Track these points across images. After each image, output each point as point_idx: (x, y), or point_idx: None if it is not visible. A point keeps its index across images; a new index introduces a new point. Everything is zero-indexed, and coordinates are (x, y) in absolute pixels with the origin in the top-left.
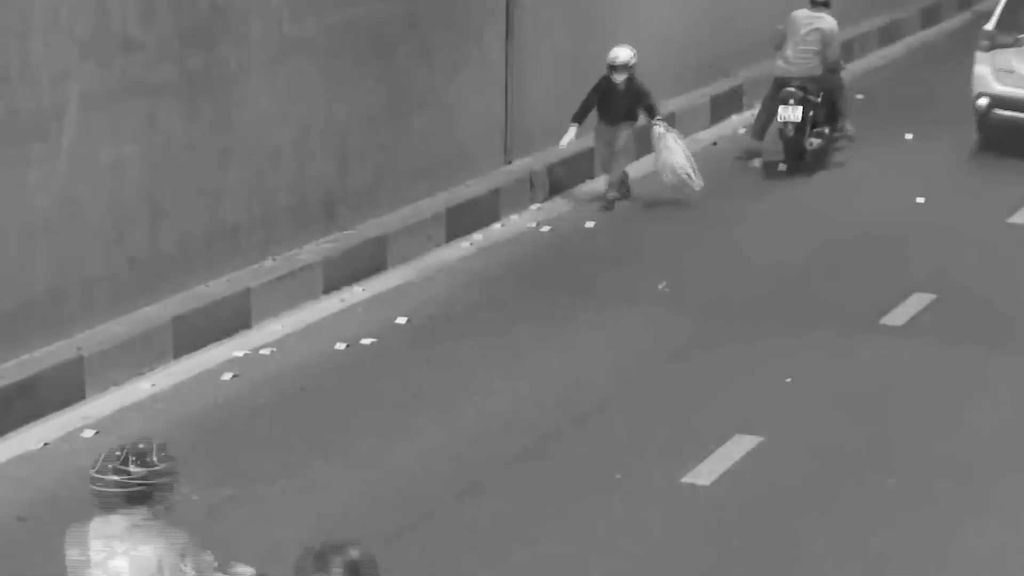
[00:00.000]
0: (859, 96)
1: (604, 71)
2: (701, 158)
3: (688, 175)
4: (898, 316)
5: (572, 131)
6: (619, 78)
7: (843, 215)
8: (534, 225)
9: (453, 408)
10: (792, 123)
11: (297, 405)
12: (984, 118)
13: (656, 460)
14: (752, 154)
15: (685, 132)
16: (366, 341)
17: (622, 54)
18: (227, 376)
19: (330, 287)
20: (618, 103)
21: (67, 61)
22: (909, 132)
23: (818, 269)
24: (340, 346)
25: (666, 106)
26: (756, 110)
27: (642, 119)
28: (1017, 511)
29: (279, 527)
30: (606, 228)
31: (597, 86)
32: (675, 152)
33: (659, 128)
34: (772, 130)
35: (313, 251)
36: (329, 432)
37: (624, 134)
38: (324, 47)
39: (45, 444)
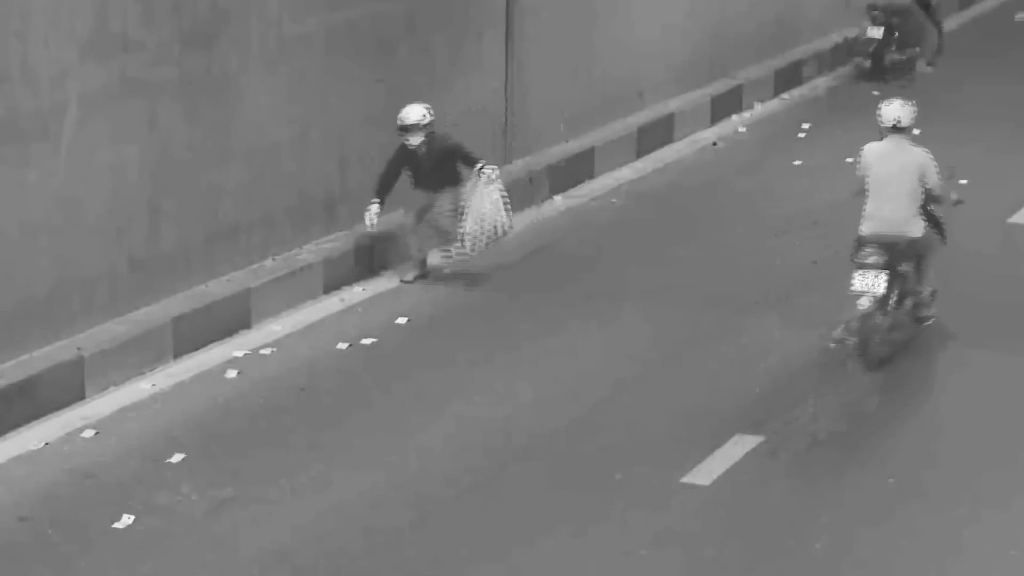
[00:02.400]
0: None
1: (602, 73)
2: (702, 158)
3: (499, 230)
4: None
5: (374, 208)
6: (414, 141)
7: (841, 214)
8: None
9: (453, 408)
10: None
11: (297, 405)
12: None
13: (656, 460)
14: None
15: (685, 132)
16: (366, 341)
17: (413, 112)
18: (232, 373)
19: (330, 287)
20: (426, 169)
21: (67, 61)
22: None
23: (818, 268)
24: (340, 346)
25: (667, 106)
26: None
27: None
28: (1017, 510)
29: (279, 527)
30: (603, 226)
31: (395, 156)
32: (497, 206)
33: (489, 172)
34: None
35: (313, 251)
36: (329, 432)
37: (446, 204)
38: (324, 47)
39: (45, 444)
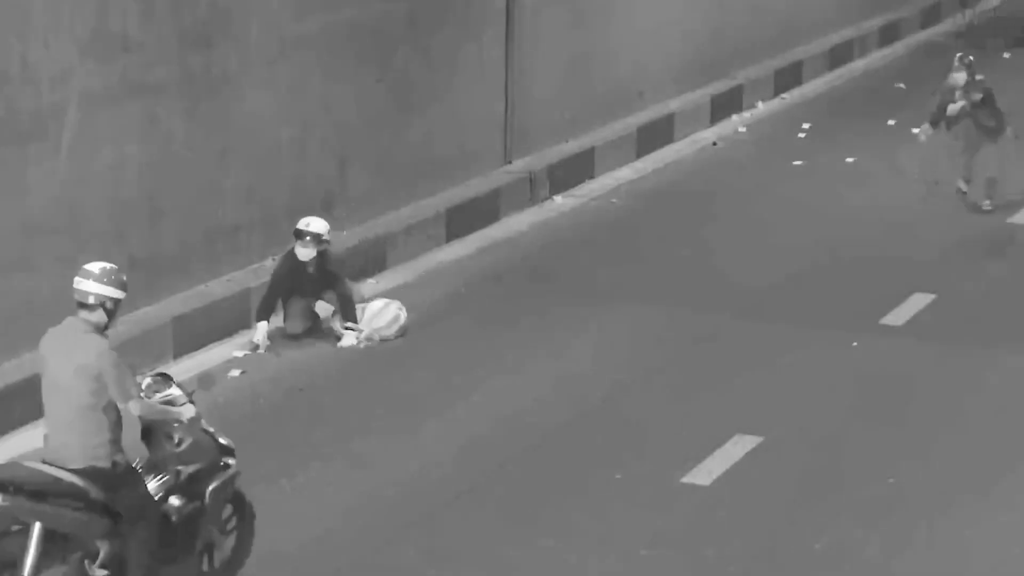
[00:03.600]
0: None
1: (602, 73)
2: (701, 158)
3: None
4: (898, 316)
5: (261, 329)
6: (306, 253)
7: (843, 214)
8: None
9: (453, 408)
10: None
11: (297, 405)
12: None
13: (656, 460)
14: None
15: (685, 132)
16: (365, 342)
17: (315, 222)
18: (235, 372)
19: None
20: (308, 291)
21: (67, 61)
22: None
23: (818, 269)
24: (339, 346)
25: (667, 106)
26: None
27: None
28: (1017, 508)
29: (279, 527)
30: (603, 226)
31: (280, 271)
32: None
33: (353, 342)
34: None
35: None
36: (329, 432)
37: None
38: (324, 47)
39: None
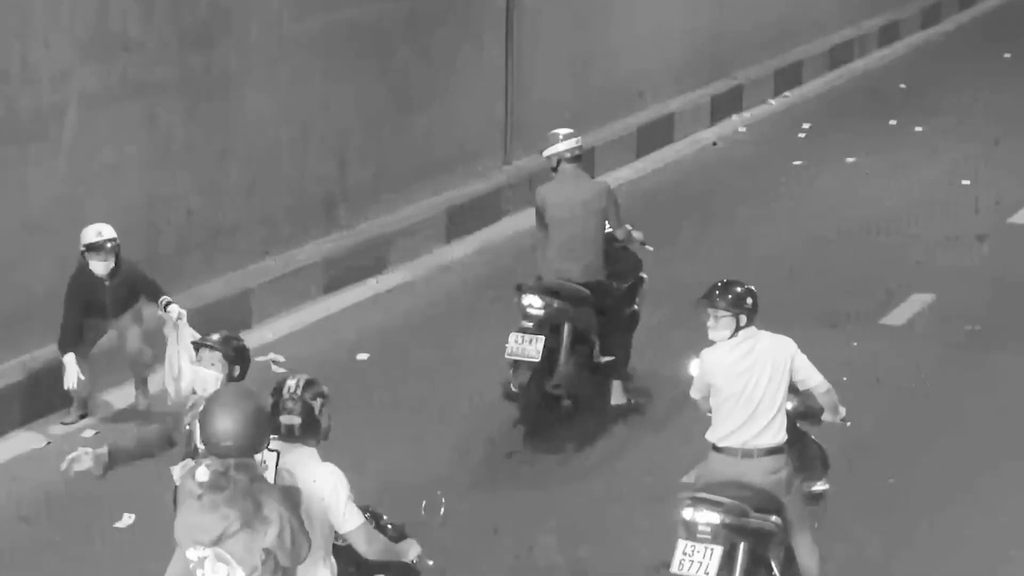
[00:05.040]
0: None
1: (602, 73)
2: (701, 158)
3: (177, 384)
4: (898, 316)
5: (70, 364)
6: (101, 268)
7: (843, 214)
8: None
9: (453, 408)
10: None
11: None
12: None
13: (656, 460)
14: None
15: (685, 132)
16: (365, 341)
17: (105, 228)
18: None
19: (330, 287)
20: (108, 302)
21: (67, 61)
22: (919, 126)
23: (818, 269)
24: (339, 346)
25: (667, 106)
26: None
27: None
28: (1016, 508)
29: None
30: None
31: (73, 293)
32: (182, 354)
33: (178, 311)
34: None
35: (313, 251)
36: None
37: (133, 331)
38: (324, 47)
39: (47, 444)
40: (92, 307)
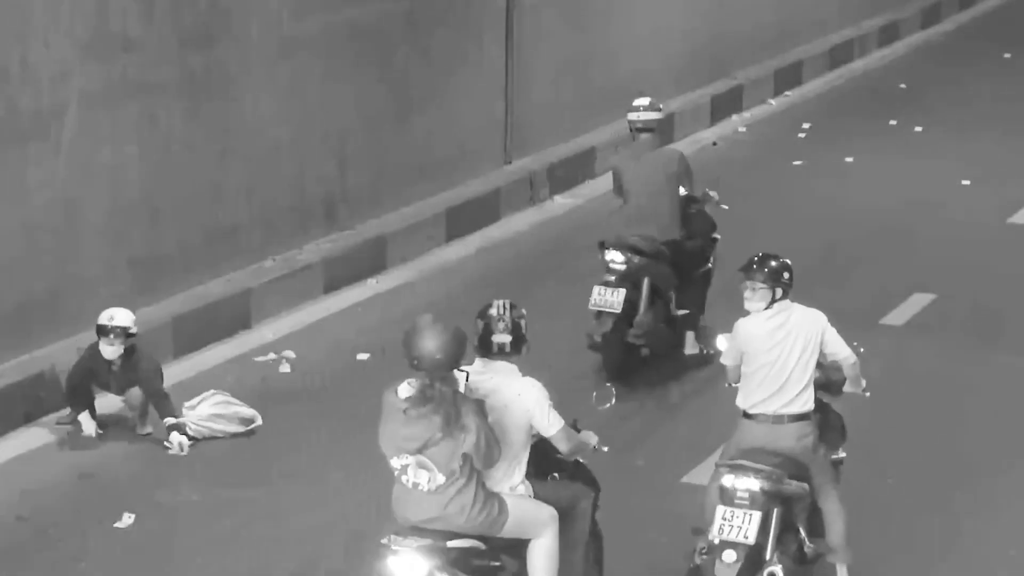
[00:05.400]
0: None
1: (602, 73)
2: (701, 159)
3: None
4: (898, 316)
5: (86, 421)
6: (113, 351)
7: (843, 214)
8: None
9: None
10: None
11: (296, 406)
12: None
13: (656, 460)
14: None
15: (685, 132)
16: (365, 341)
17: (119, 316)
18: (286, 369)
19: (330, 287)
20: (112, 386)
21: (67, 61)
22: (919, 126)
23: (818, 269)
24: (339, 346)
25: (667, 106)
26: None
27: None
28: (1016, 509)
29: (279, 527)
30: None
31: (83, 362)
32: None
33: (179, 443)
34: None
35: (313, 251)
36: (329, 432)
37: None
38: (324, 47)
39: (46, 444)
40: (98, 381)
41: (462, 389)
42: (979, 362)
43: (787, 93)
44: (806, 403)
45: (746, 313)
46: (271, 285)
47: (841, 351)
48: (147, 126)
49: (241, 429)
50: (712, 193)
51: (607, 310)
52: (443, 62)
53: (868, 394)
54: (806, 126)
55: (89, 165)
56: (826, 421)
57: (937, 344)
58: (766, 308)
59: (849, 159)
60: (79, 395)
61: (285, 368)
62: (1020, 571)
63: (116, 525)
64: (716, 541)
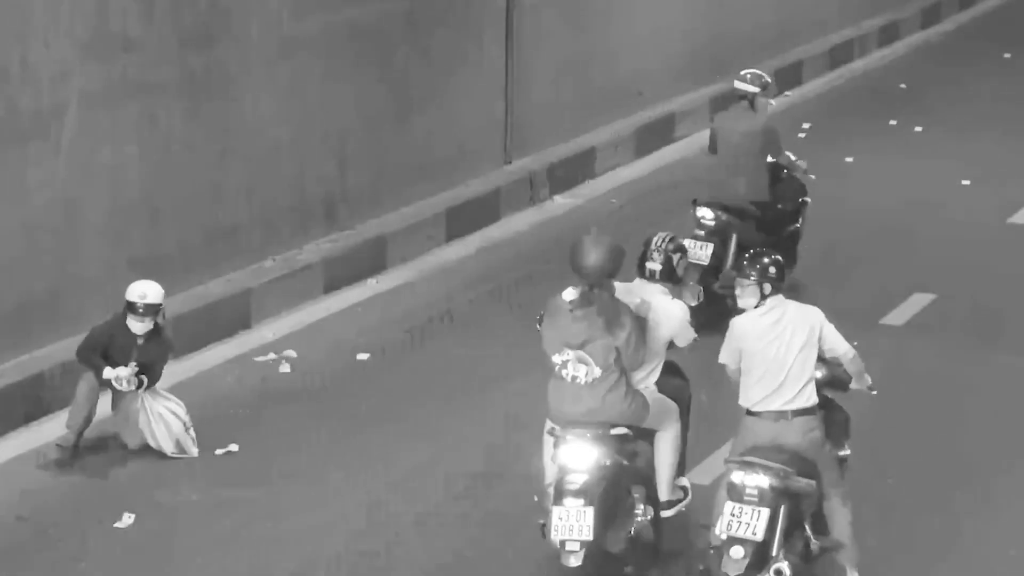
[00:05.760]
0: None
1: (602, 72)
2: (701, 158)
3: (182, 443)
4: (898, 316)
5: (118, 371)
6: (142, 327)
7: (843, 214)
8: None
9: (453, 408)
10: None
11: (296, 406)
12: None
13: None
14: None
15: (685, 132)
16: (365, 341)
17: (152, 292)
18: (286, 368)
19: (330, 287)
20: (135, 356)
21: (67, 61)
22: (919, 126)
23: (818, 269)
24: (339, 346)
25: (667, 106)
26: None
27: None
28: (1016, 508)
29: (279, 527)
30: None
31: (108, 327)
32: (169, 421)
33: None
34: None
35: (313, 251)
36: (329, 432)
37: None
38: (324, 47)
39: (46, 444)
40: (117, 353)
41: (617, 296)
42: (979, 362)
43: (787, 93)
44: (809, 398)
45: (742, 312)
46: (271, 285)
47: (839, 347)
48: (147, 126)
49: (170, 450)
50: (800, 162)
51: (695, 262)
52: (443, 62)
53: (875, 392)
54: (806, 126)
55: (89, 165)
56: (831, 418)
57: (937, 344)
58: (757, 304)
59: (849, 159)
60: (93, 354)
61: (285, 368)
62: (1020, 571)
63: (116, 525)
64: (724, 537)
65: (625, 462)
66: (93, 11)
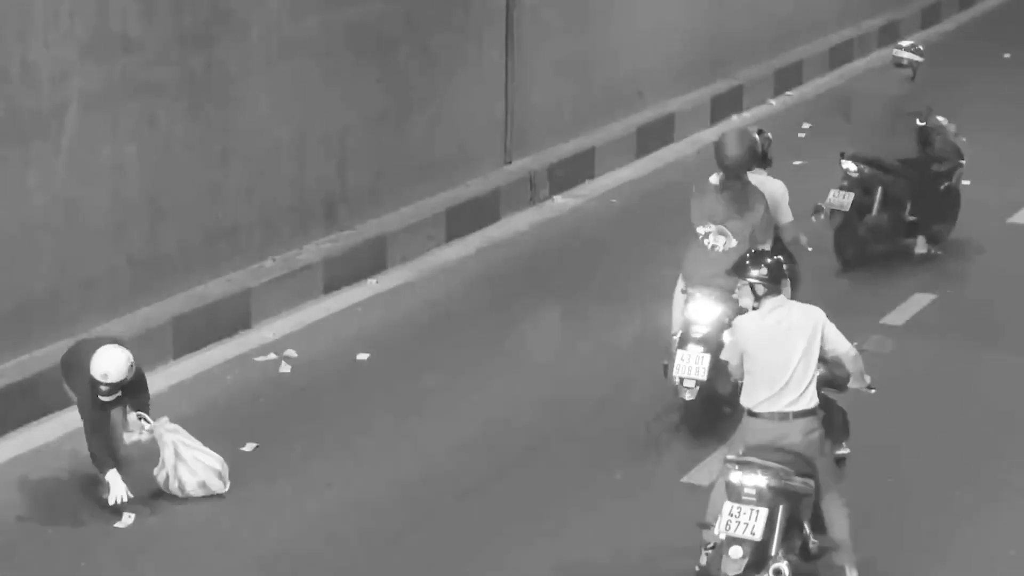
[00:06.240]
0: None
1: (602, 73)
2: (701, 158)
3: (214, 481)
4: (898, 316)
5: (115, 481)
6: (110, 399)
7: None
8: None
9: (453, 409)
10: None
11: (296, 405)
12: None
13: (656, 460)
14: None
15: (685, 132)
16: (365, 341)
17: (113, 371)
18: (286, 368)
19: (330, 287)
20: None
21: (67, 61)
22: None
23: (818, 268)
24: (339, 346)
25: (667, 106)
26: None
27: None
28: (1016, 508)
29: (279, 527)
30: (603, 226)
31: (87, 407)
32: (187, 460)
33: (147, 427)
34: None
35: (313, 251)
36: (329, 432)
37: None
38: (324, 47)
39: (45, 444)
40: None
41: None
42: (979, 362)
43: (788, 93)
44: (811, 399)
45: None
46: (271, 285)
47: (841, 346)
48: (147, 126)
49: (199, 492)
50: (951, 125)
51: (838, 209)
52: (443, 62)
53: (873, 391)
54: (806, 126)
55: (89, 165)
56: (831, 417)
57: (937, 344)
58: (753, 304)
59: None
60: (102, 448)
61: (285, 368)
62: (1020, 571)
63: (116, 525)
64: (723, 537)
65: None
66: (93, 11)
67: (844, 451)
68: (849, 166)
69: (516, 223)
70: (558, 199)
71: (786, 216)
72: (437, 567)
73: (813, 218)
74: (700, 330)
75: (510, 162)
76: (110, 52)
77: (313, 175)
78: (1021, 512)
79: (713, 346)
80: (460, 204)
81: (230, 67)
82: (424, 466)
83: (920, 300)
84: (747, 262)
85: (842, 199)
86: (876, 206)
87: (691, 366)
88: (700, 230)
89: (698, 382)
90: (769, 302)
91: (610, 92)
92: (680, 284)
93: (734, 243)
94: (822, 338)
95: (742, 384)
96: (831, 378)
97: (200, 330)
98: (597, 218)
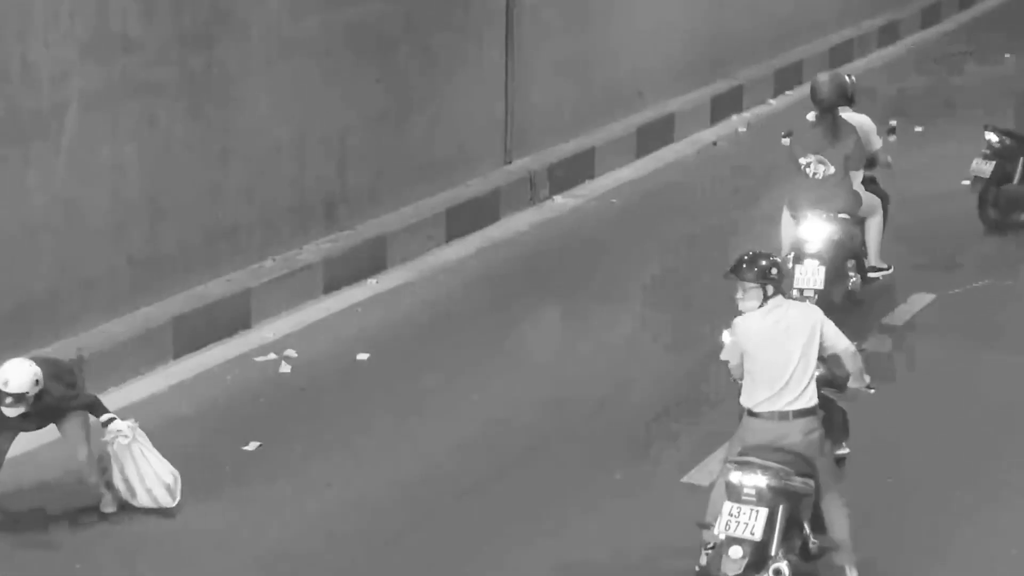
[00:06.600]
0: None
1: (602, 73)
2: (701, 158)
3: (169, 486)
4: (898, 316)
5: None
6: (15, 412)
7: None
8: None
9: (453, 409)
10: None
11: (296, 405)
12: None
13: (656, 460)
14: None
15: (685, 132)
16: (365, 341)
17: (13, 380)
18: (286, 368)
19: (330, 287)
20: (27, 427)
21: (67, 61)
22: (919, 126)
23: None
24: (339, 346)
25: (667, 106)
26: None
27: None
28: (1016, 508)
29: (279, 527)
30: (603, 226)
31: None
32: (150, 461)
33: (121, 429)
34: None
35: (313, 251)
36: (329, 432)
37: (72, 427)
38: (324, 47)
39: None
40: (8, 426)
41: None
42: (979, 362)
43: (788, 92)
44: (811, 399)
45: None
46: (271, 285)
47: (839, 343)
48: (147, 126)
49: (147, 503)
50: None
51: (980, 176)
52: (443, 62)
53: (873, 391)
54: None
55: (89, 165)
56: (831, 417)
57: (937, 344)
58: (759, 306)
59: None
60: None
61: (285, 368)
62: (1021, 571)
63: (116, 525)
64: (722, 537)
65: (845, 240)
66: (93, 11)
67: (844, 451)
68: (991, 137)
69: (516, 223)
70: (558, 199)
71: (876, 144)
72: (437, 567)
73: (964, 182)
74: (814, 246)
75: (510, 162)
76: (110, 52)
77: (313, 175)
78: (1021, 512)
79: (826, 259)
80: (460, 204)
81: (230, 67)
82: (424, 466)
83: (920, 300)
84: (752, 265)
85: (983, 166)
86: (1018, 174)
87: (809, 278)
88: (802, 161)
89: (816, 291)
90: (771, 302)
91: (610, 92)
92: (786, 212)
93: (832, 169)
94: (821, 336)
95: (742, 384)
96: (831, 378)
97: (200, 330)
98: (597, 218)
